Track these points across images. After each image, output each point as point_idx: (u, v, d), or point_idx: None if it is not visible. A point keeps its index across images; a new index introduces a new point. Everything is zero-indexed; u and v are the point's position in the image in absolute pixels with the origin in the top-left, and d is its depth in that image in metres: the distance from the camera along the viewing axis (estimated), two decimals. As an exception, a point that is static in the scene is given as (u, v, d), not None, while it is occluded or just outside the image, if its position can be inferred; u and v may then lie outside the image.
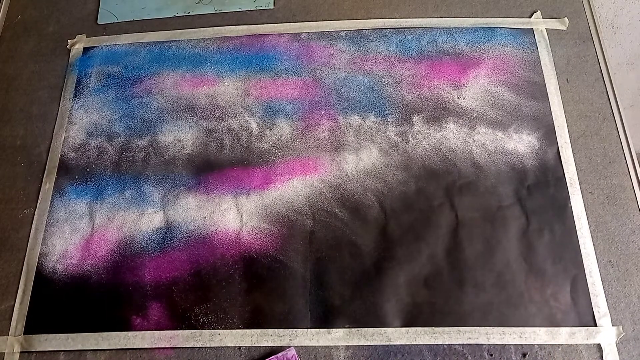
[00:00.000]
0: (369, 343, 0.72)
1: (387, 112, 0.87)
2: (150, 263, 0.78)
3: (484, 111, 0.86)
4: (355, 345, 0.72)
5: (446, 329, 0.72)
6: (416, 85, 0.88)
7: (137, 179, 0.85)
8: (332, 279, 0.75)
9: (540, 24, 0.93)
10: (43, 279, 0.79)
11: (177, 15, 0.99)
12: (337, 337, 0.72)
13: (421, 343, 0.71)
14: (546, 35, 0.91)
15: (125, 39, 0.97)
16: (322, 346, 0.72)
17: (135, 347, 0.73)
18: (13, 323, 0.76)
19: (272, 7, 0.98)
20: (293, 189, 0.82)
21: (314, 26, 0.95)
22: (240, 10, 0.98)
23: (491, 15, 0.94)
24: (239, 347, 0.73)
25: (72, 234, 0.82)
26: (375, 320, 0.73)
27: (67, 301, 0.77)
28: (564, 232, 0.76)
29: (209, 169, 0.85)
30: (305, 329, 0.73)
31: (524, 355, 0.70)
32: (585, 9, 0.94)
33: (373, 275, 0.75)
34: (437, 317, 0.72)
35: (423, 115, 0.86)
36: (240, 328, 0.73)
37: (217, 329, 0.74)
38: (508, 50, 0.90)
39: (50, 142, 0.89)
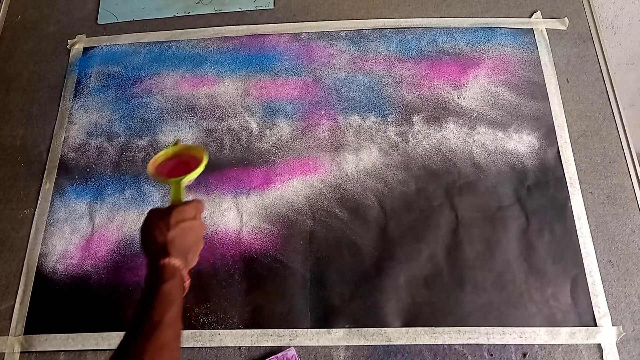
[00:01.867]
0: (369, 343, 0.72)
1: (387, 112, 0.87)
2: (150, 263, 0.78)
3: (484, 111, 0.86)
4: (355, 345, 0.72)
5: (446, 329, 0.72)
6: (416, 85, 0.88)
7: (137, 179, 0.85)
8: (332, 279, 0.75)
9: (540, 24, 0.93)
10: (43, 279, 0.79)
11: (177, 15, 0.99)
12: (337, 337, 0.72)
13: (421, 343, 0.71)
14: (546, 35, 0.91)
15: (125, 39, 0.97)
16: (322, 346, 0.72)
17: (135, 347, 0.73)
18: (13, 323, 0.76)
19: (272, 7, 0.98)
20: (293, 189, 0.82)
21: (314, 26, 0.95)
22: (240, 10, 0.99)
23: (491, 15, 0.94)
24: (239, 347, 0.73)
25: (72, 234, 0.81)
26: (375, 320, 0.73)
27: (67, 301, 0.77)
28: (564, 232, 0.76)
29: (209, 169, 0.84)
30: (305, 329, 0.73)
31: (524, 355, 0.70)
32: (585, 9, 0.94)
33: (373, 275, 0.75)
34: (437, 317, 0.72)
35: (423, 115, 0.86)
36: (240, 328, 0.73)
37: (217, 329, 0.74)
38: (508, 50, 0.90)
39: (50, 142, 0.89)
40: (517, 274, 0.74)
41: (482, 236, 0.77)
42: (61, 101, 0.93)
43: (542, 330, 0.71)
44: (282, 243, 0.78)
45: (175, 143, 0.71)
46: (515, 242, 0.76)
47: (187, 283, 0.57)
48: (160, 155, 0.69)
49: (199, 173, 0.64)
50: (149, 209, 0.62)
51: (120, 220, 0.82)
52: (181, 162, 0.68)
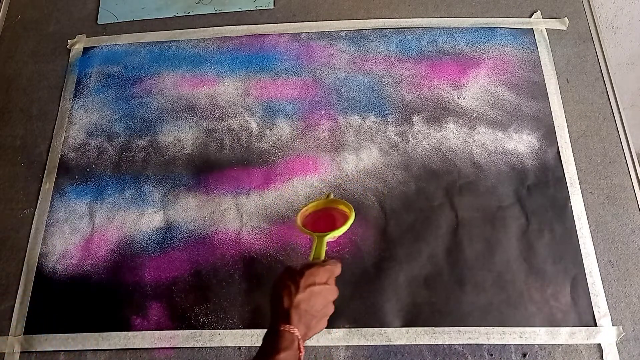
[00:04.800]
0: (369, 343, 0.72)
1: (387, 112, 0.87)
2: (150, 263, 0.78)
3: (484, 111, 0.86)
4: (355, 345, 0.72)
5: (446, 329, 0.72)
6: (416, 85, 0.88)
7: (137, 179, 0.85)
8: (332, 279, 0.75)
9: (540, 24, 0.93)
10: (43, 279, 0.79)
11: (177, 15, 0.99)
12: (337, 337, 0.72)
13: (421, 343, 0.71)
14: (546, 35, 0.91)
15: (125, 39, 0.97)
16: (322, 346, 0.72)
17: (135, 347, 0.73)
18: (13, 323, 0.76)
19: (272, 7, 0.98)
20: (293, 189, 0.82)
21: (314, 26, 0.95)
22: (240, 10, 0.98)
23: (491, 15, 0.94)
24: (239, 347, 0.73)
25: (72, 234, 0.81)
26: (375, 320, 0.73)
27: (67, 301, 0.77)
28: (564, 232, 0.76)
29: (209, 169, 0.85)
30: (305, 329, 0.72)
31: (524, 355, 0.70)
32: (585, 9, 0.94)
33: (373, 275, 0.75)
34: (437, 317, 0.72)
35: (423, 115, 0.86)
36: (240, 328, 0.73)
37: (217, 329, 0.74)
38: (508, 50, 0.90)
39: (50, 142, 0.89)
40: (517, 274, 0.74)
41: (482, 236, 0.77)
42: (61, 101, 0.93)
43: (542, 330, 0.71)
44: (282, 243, 0.78)
45: (327, 196, 0.70)
46: (515, 242, 0.76)
47: (302, 355, 0.54)
48: (310, 207, 0.69)
49: (343, 232, 0.63)
50: (285, 267, 0.60)
51: (120, 220, 0.82)
52: (327, 216, 0.68)
